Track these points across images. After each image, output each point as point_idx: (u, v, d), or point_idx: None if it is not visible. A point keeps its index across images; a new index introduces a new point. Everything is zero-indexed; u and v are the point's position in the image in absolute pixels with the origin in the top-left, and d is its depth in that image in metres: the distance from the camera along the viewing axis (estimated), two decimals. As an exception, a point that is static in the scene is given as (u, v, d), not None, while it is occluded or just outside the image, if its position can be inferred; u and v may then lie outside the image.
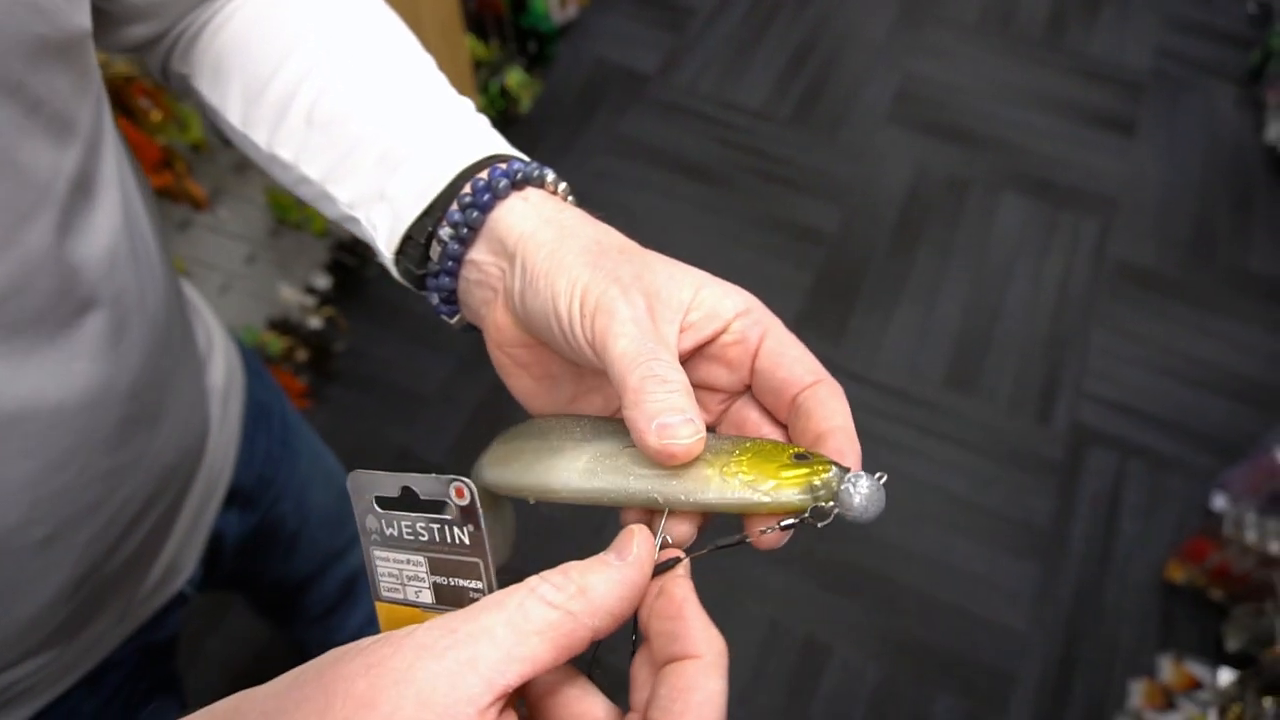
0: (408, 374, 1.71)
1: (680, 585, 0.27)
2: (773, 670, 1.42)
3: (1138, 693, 1.39)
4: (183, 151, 1.34)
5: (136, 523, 0.48)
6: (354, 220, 0.40)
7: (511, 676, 0.23)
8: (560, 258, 0.33)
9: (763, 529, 0.29)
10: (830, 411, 0.30)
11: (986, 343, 1.77)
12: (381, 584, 0.31)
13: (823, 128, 2.10)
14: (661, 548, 0.29)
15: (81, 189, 0.38)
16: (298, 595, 0.87)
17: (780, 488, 0.28)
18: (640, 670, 0.27)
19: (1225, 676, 1.35)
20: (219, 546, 0.65)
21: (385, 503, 0.31)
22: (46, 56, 0.34)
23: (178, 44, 0.46)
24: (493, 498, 0.37)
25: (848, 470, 0.28)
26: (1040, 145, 2.07)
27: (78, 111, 0.37)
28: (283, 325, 1.64)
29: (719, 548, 0.30)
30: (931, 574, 1.51)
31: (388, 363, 1.73)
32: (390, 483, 0.30)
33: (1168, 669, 1.41)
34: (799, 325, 1.79)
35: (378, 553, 0.31)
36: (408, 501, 0.30)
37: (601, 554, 0.27)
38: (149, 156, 1.26)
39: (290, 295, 1.62)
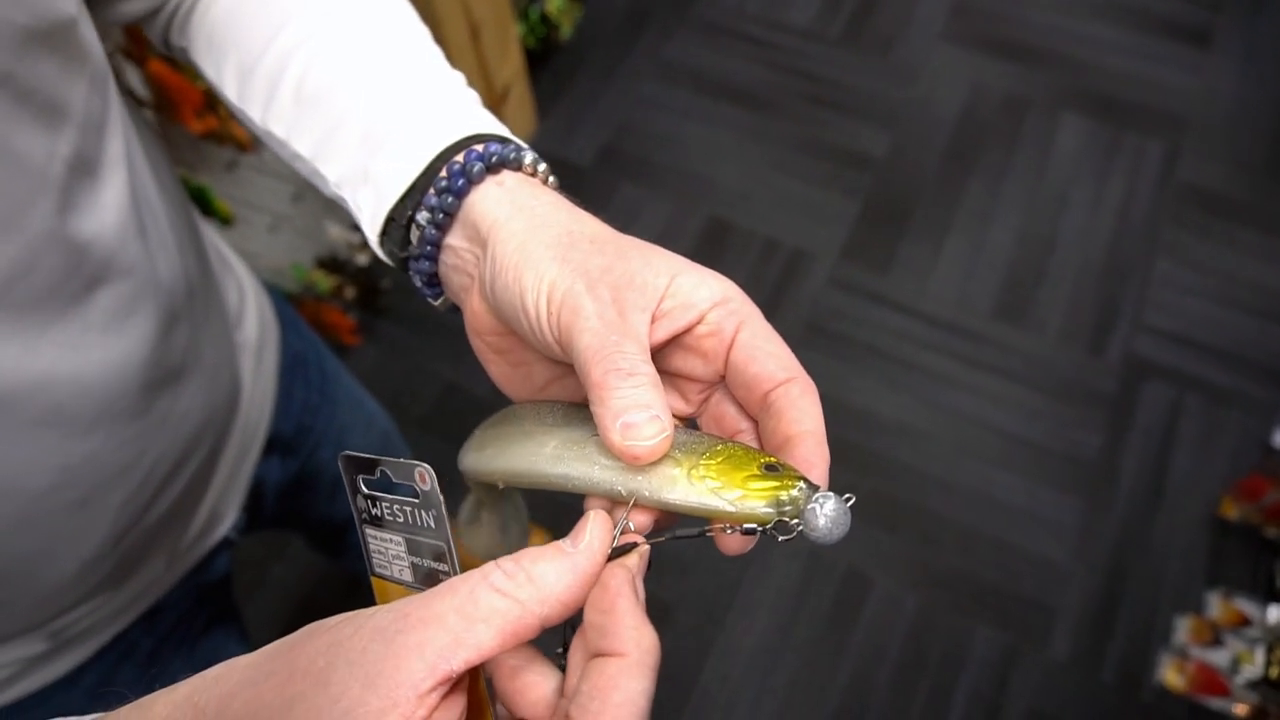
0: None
1: (617, 576, 0.26)
2: (813, 602, 1.44)
3: (1184, 628, 1.38)
4: (225, 93, 1.35)
5: (170, 479, 0.51)
6: (343, 200, 0.40)
7: (457, 663, 0.23)
8: (529, 250, 0.32)
9: (725, 528, 0.29)
10: (800, 413, 0.30)
11: (1040, 272, 1.72)
12: (374, 559, 0.32)
13: (874, 47, 2.01)
14: (622, 534, 0.29)
15: (81, 170, 0.39)
16: (344, 533, 0.91)
17: (746, 498, 0.28)
18: (574, 656, 0.27)
19: (1275, 614, 1.33)
20: (260, 493, 0.68)
21: (371, 484, 0.31)
22: (32, 45, 0.34)
23: (175, 17, 0.46)
24: (496, 488, 0.37)
25: (816, 489, 0.28)
26: (1105, 60, 1.96)
27: (69, 95, 0.37)
28: (331, 263, 1.67)
29: (677, 537, 0.30)
30: (973, 507, 1.50)
31: (434, 299, 1.75)
32: (369, 465, 0.31)
33: (1216, 605, 1.39)
34: (845, 255, 1.75)
35: (368, 530, 0.32)
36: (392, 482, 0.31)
37: (559, 541, 0.27)
38: (191, 100, 1.28)
39: (337, 233, 1.64)
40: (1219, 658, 1.33)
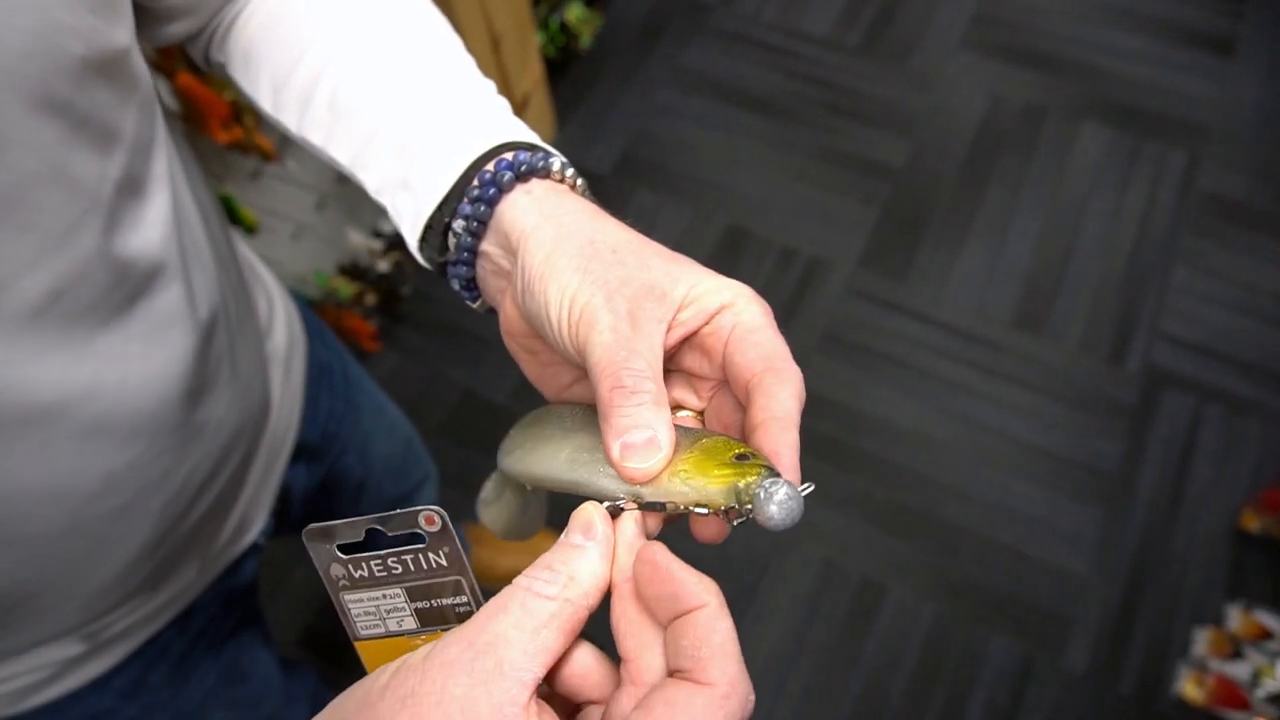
0: (473, 317, 1.75)
1: (659, 552, 0.28)
2: (827, 610, 1.44)
3: (1203, 640, 1.38)
4: (251, 106, 1.37)
5: (206, 486, 0.52)
6: (383, 205, 0.41)
7: (537, 669, 0.25)
8: (554, 262, 0.33)
9: (684, 508, 0.30)
10: (768, 400, 0.30)
11: (1058, 281, 1.71)
12: (357, 624, 0.32)
13: (893, 56, 2.02)
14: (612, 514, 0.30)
15: (128, 191, 0.40)
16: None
17: (708, 485, 0.29)
18: (634, 622, 0.28)
19: (1295, 626, 1.32)
20: (288, 499, 0.70)
21: (347, 548, 0.31)
22: (89, 75, 0.35)
23: (215, 36, 0.48)
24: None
25: (776, 477, 0.28)
26: (1126, 69, 1.95)
27: (122, 120, 0.39)
28: (352, 270, 1.69)
29: (646, 507, 0.30)
30: (989, 517, 1.50)
31: (453, 305, 1.77)
32: (350, 530, 0.31)
33: (1236, 618, 1.38)
34: (863, 264, 1.76)
35: (348, 596, 0.31)
36: (369, 541, 0.31)
37: (566, 537, 0.29)
38: (218, 112, 1.30)
39: (359, 241, 1.66)
40: (1239, 671, 1.32)
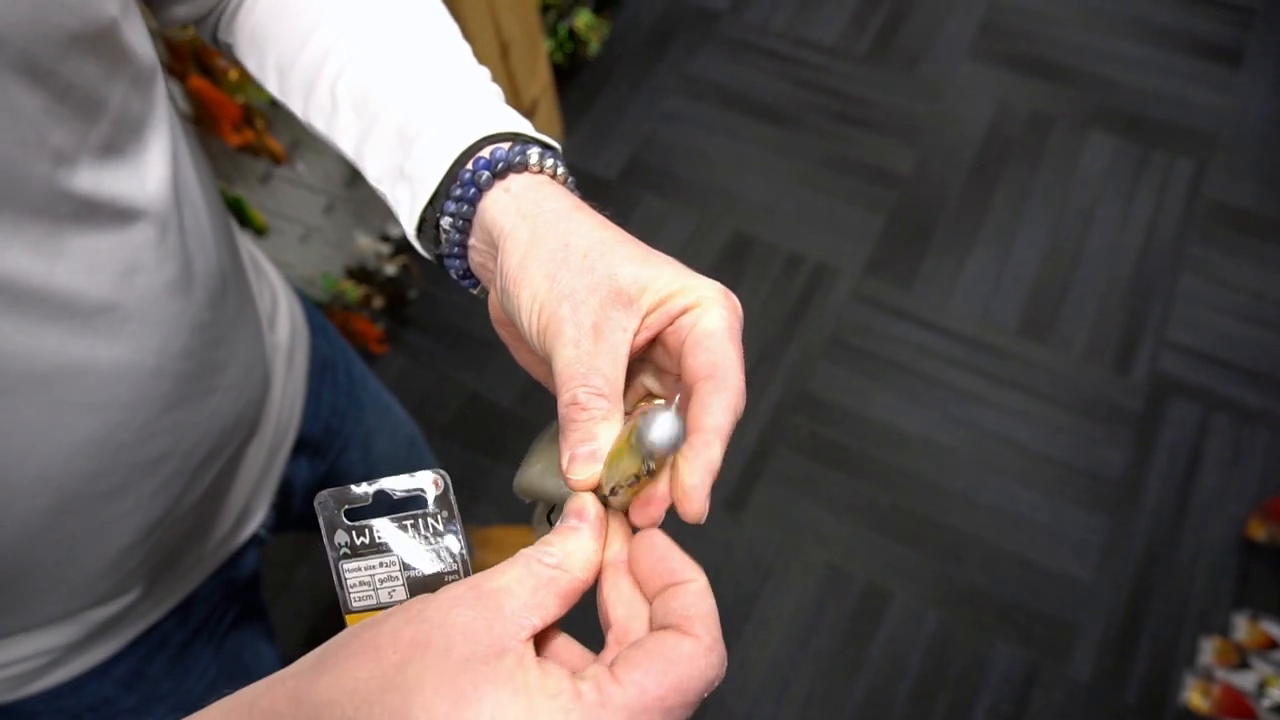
0: (479, 321, 1.76)
1: (659, 534, 0.30)
2: (831, 615, 1.44)
3: (1209, 650, 1.37)
4: (262, 108, 1.38)
5: (201, 472, 0.53)
6: (383, 195, 0.42)
7: (535, 620, 0.27)
8: (526, 267, 0.34)
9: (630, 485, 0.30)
10: (701, 410, 0.31)
11: (1064, 289, 1.71)
12: (352, 595, 0.33)
13: (900, 64, 2.02)
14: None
15: (114, 163, 0.41)
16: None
17: (621, 457, 0.30)
18: (625, 593, 0.29)
19: (1303, 636, 1.31)
20: (289, 493, 0.70)
21: (352, 514, 0.32)
22: (75, 46, 0.36)
23: (223, 17, 0.49)
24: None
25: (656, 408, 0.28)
26: (1134, 78, 1.95)
27: (108, 93, 0.39)
28: (360, 273, 1.70)
29: (612, 492, 0.31)
30: (995, 523, 1.50)
31: (460, 309, 1.78)
32: (361, 492, 0.32)
33: (1242, 627, 1.37)
34: (869, 271, 1.76)
35: (347, 566, 0.32)
36: (374, 508, 0.32)
37: (562, 521, 0.31)
38: (229, 114, 1.31)
39: (366, 244, 1.67)
40: (1245, 681, 1.31)
